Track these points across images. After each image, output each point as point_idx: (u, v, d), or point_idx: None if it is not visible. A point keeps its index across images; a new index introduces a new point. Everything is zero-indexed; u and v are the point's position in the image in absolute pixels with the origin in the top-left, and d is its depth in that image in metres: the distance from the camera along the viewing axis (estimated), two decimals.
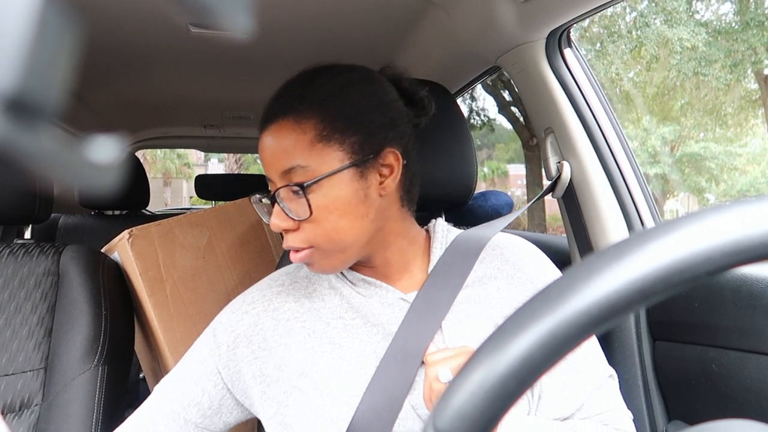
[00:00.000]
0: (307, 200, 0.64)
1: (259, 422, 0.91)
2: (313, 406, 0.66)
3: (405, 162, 0.69)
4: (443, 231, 0.78)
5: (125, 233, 1.09)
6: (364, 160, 0.66)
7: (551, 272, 0.76)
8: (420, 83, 0.77)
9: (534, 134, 1.19)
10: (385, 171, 0.68)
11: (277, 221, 0.67)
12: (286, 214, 0.66)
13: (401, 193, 0.71)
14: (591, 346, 0.72)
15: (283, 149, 0.66)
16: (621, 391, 0.74)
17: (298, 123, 0.65)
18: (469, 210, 1.33)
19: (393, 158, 0.68)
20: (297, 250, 0.68)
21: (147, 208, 2.26)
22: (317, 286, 0.75)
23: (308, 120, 0.65)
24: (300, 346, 0.70)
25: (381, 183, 0.68)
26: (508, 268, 0.75)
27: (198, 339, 0.77)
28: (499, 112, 8.71)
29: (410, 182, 0.72)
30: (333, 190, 0.65)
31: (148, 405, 0.77)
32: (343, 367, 0.67)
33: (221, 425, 0.74)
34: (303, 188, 0.64)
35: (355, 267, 0.74)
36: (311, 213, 0.65)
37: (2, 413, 0.93)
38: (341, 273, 0.74)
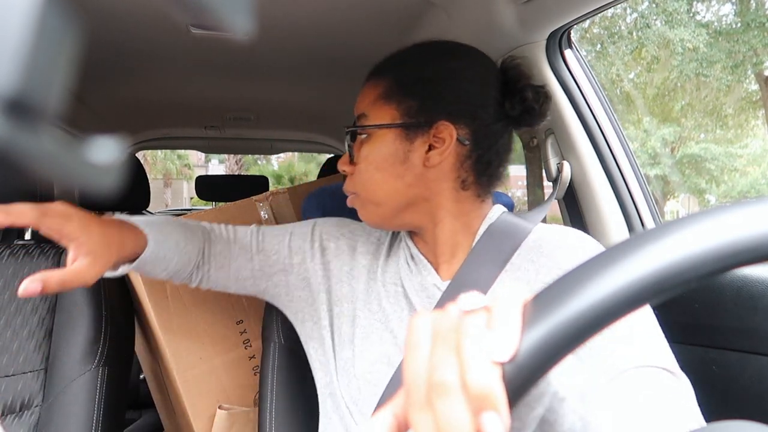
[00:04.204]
0: (351, 145, 0.74)
1: (260, 420, 0.91)
2: (343, 357, 0.75)
3: (469, 144, 0.70)
4: (491, 219, 0.75)
5: None
6: (414, 124, 0.69)
7: None
8: (533, 87, 0.73)
9: (534, 135, 1.19)
10: (438, 143, 0.69)
11: (341, 162, 0.76)
12: (349, 157, 0.75)
13: (459, 173, 0.71)
14: (624, 335, 0.59)
15: (360, 100, 0.75)
16: None
17: (376, 80, 0.74)
18: None
19: (447, 133, 0.69)
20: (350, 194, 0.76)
21: (147, 209, 2.26)
22: (394, 251, 0.80)
23: (382, 79, 0.73)
24: (354, 293, 0.78)
25: (428, 153, 0.70)
26: (548, 263, 0.70)
27: (296, 224, 0.88)
28: None
29: (476, 167, 0.71)
30: (376, 144, 0.71)
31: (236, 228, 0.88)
32: (386, 336, 0.73)
33: (261, 284, 0.85)
34: (351, 133, 0.73)
35: (414, 238, 0.77)
36: (353, 158, 0.74)
37: (3, 414, 0.93)
38: (407, 243, 0.76)
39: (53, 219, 0.60)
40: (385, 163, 0.70)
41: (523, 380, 0.28)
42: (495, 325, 0.29)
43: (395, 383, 0.68)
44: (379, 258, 0.79)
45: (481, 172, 0.72)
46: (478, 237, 0.73)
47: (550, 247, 0.71)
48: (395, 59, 0.75)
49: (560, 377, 0.35)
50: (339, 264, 0.81)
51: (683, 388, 0.55)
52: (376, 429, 0.30)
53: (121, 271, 0.73)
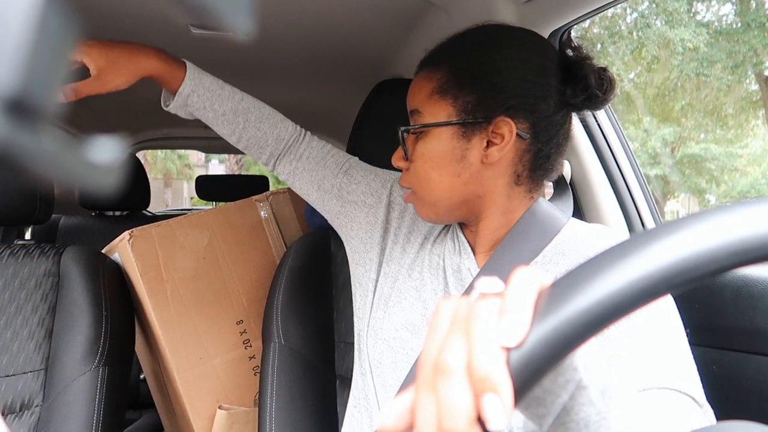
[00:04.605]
0: (405, 144, 0.71)
1: (260, 420, 0.91)
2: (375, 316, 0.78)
3: (528, 139, 0.66)
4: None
5: (126, 234, 1.09)
6: (471, 121, 0.66)
7: None
8: (593, 67, 0.69)
9: None
10: (497, 139, 0.66)
11: (395, 157, 0.74)
12: (403, 153, 0.72)
13: (516, 168, 0.68)
14: (650, 355, 0.57)
15: (413, 92, 0.72)
16: None
17: (430, 72, 0.70)
18: None
19: (506, 129, 0.66)
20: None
21: (147, 209, 2.26)
22: (442, 235, 0.79)
23: (437, 71, 0.69)
24: (404, 256, 0.79)
25: (486, 150, 0.67)
26: (579, 259, 0.68)
27: (381, 170, 0.89)
28: None
29: (533, 162, 0.68)
30: (432, 142, 0.68)
31: (327, 149, 0.91)
32: (416, 305, 0.75)
33: (337, 205, 0.88)
34: (403, 132, 0.71)
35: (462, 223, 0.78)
36: (407, 157, 0.72)
37: (3, 414, 0.93)
38: (455, 225, 0.78)
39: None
40: (442, 162, 0.68)
41: (533, 369, 0.27)
42: (505, 310, 0.29)
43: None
44: (436, 229, 0.80)
45: (538, 167, 0.69)
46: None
47: (584, 244, 0.69)
48: (450, 48, 0.71)
49: (586, 365, 0.34)
50: (400, 224, 0.83)
51: (704, 419, 0.53)
52: (392, 411, 0.31)
53: (173, 106, 0.85)
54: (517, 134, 0.66)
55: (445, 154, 0.68)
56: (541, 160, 0.69)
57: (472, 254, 0.74)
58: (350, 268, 0.88)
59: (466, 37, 0.71)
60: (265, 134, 0.87)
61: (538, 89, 0.66)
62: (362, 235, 0.85)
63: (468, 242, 0.75)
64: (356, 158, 0.92)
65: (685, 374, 0.56)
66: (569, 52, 0.69)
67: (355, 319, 0.85)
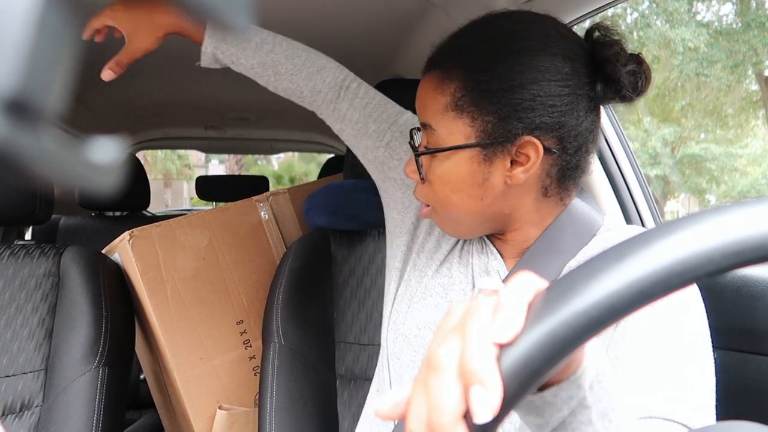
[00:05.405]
0: (419, 166, 0.65)
1: (260, 420, 0.91)
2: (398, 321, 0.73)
3: (557, 153, 0.60)
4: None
5: (126, 234, 1.09)
6: (492, 143, 0.60)
7: None
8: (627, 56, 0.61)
9: None
10: (521, 159, 0.60)
11: (408, 169, 0.68)
12: (417, 166, 0.66)
13: (544, 183, 0.63)
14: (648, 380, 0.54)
15: (423, 103, 0.65)
16: None
17: (441, 81, 0.62)
18: None
19: (532, 149, 0.59)
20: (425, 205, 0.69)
21: (147, 209, 2.26)
22: (468, 243, 0.75)
23: (451, 82, 0.61)
24: (439, 250, 0.74)
25: (510, 171, 0.61)
26: None
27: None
28: None
29: (561, 173, 0.63)
30: (450, 164, 0.62)
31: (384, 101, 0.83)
32: (442, 303, 0.70)
33: (380, 179, 0.83)
34: (417, 153, 0.65)
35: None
36: (422, 178, 0.66)
37: (3, 414, 0.93)
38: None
39: (101, 18, 0.81)
40: (463, 186, 0.62)
41: (527, 369, 0.27)
42: (500, 308, 0.29)
43: None
44: (455, 255, 0.76)
45: (567, 177, 0.64)
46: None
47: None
48: (463, 50, 0.62)
49: (592, 385, 0.34)
50: (423, 243, 0.78)
51: None
52: (390, 398, 0.31)
53: (203, 63, 0.83)
54: (545, 149, 0.59)
55: (465, 177, 0.62)
56: (569, 171, 0.63)
57: (499, 256, 0.70)
58: (386, 247, 0.84)
59: (480, 38, 0.62)
60: (298, 86, 0.82)
61: (565, 102, 0.59)
62: (395, 215, 0.80)
63: (495, 247, 0.71)
64: (404, 119, 0.81)
65: (699, 406, 0.52)
66: (597, 42, 0.60)
67: (384, 305, 0.81)
